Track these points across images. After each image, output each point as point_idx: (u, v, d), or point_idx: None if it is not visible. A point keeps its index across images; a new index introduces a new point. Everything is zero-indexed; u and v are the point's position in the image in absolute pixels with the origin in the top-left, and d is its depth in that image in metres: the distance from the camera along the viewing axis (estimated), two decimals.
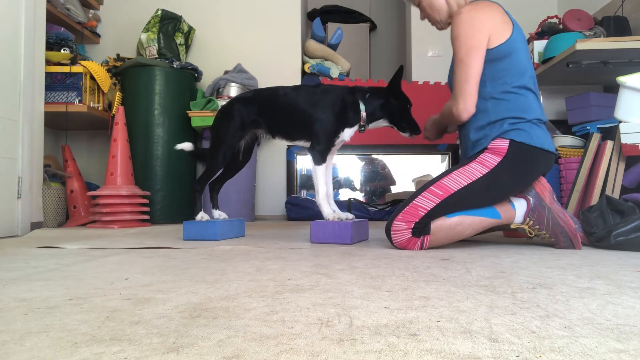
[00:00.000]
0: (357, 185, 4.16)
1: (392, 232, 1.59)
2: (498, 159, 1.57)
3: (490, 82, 1.61)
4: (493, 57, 1.59)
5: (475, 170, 1.57)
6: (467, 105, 1.58)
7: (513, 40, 1.59)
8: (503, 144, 1.58)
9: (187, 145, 2.18)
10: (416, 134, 1.92)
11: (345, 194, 4.16)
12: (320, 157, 1.87)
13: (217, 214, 2.14)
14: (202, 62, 3.91)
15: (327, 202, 1.90)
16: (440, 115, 1.79)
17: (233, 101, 2.07)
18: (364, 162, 4.23)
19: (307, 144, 1.93)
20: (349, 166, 4.24)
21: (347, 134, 1.90)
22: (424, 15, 1.79)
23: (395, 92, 1.89)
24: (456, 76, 1.59)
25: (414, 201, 1.57)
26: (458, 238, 1.62)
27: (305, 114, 1.90)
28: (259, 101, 2.00)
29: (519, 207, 1.64)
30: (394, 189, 4.17)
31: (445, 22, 1.76)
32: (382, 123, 1.94)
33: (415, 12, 4.22)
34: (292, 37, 4.07)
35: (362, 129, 1.92)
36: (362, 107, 1.88)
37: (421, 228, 1.57)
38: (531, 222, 1.63)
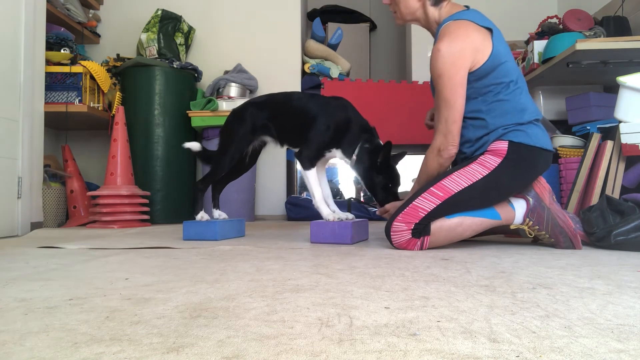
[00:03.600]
0: (358, 191, 4.15)
1: (391, 233, 1.59)
2: (498, 160, 1.56)
3: (482, 96, 1.61)
4: (480, 76, 1.57)
5: (475, 172, 1.57)
6: (455, 143, 1.58)
7: (495, 53, 1.57)
8: (502, 146, 1.57)
9: (195, 145, 2.15)
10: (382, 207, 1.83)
11: (344, 190, 4.14)
12: (308, 162, 1.85)
13: (217, 213, 2.14)
14: (202, 62, 3.91)
15: (324, 203, 1.89)
16: (423, 172, 1.67)
17: (247, 105, 2.05)
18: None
19: None
20: (346, 169, 4.22)
21: (339, 155, 1.89)
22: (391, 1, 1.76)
23: (381, 167, 1.82)
24: (442, 115, 1.58)
25: (414, 202, 1.57)
26: (458, 239, 1.62)
27: (310, 120, 1.87)
28: (271, 106, 1.98)
29: (519, 208, 1.64)
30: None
31: (406, 20, 1.75)
32: (358, 178, 1.90)
33: None
34: (292, 37, 4.07)
35: (348, 162, 1.88)
36: (357, 150, 1.83)
37: (421, 229, 1.57)
38: (531, 222, 1.63)
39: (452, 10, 1.66)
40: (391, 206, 1.78)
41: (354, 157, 1.85)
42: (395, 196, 1.86)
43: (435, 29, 1.71)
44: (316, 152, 1.86)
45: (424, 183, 1.66)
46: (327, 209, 1.89)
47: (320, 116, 1.86)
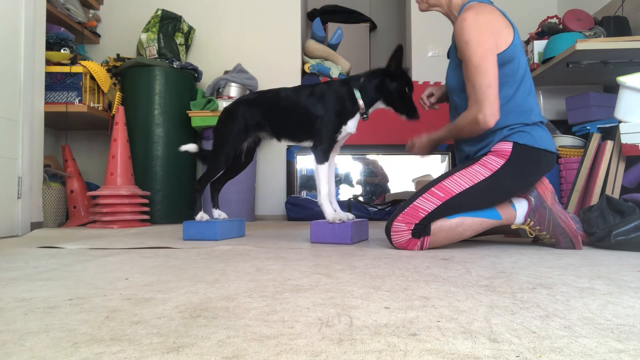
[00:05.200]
0: (354, 181, 4.18)
1: (391, 233, 1.59)
2: (502, 162, 1.56)
3: None
4: (498, 63, 1.55)
5: (477, 173, 1.56)
6: (493, 111, 1.52)
7: (515, 44, 1.58)
8: (506, 147, 1.57)
9: (191, 147, 2.15)
10: (414, 118, 1.84)
11: (344, 190, 4.16)
12: (322, 156, 1.87)
13: (217, 213, 2.14)
14: (202, 62, 3.91)
15: (328, 201, 1.90)
16: (455, 130, 1.66)
17: (237, 103, 2.06)
18: (359, 162, 4.25)
19: (311, 144, 1.93)
20: (347, 165, 4.25)
21: (351, 125, 1.88)
22: None
23: (394, 72, 1.83)
24: (475, 83, 1.52)
25: (414, 202, 1.57)
26: (458, 239, 1.61)
27: (306, 113, 1.90)
28: (262, 104, 2.00)
29: (520, 208, 1.63)
30: (394, 189, 4.17)
31: (430, 4, 1.73)
32: (380, 105, 1.90)
33: (415, 11, 4.22)
34: (292, 37, 4.07)
35: (365, 116, 1.89)
36: (357, 94, 1.86)
37: (421, 229, 1.56)
38: (532, 222, 1.63)
39: None
40: (417, 139, 1.79)
41: (360, 102, 1.85)
42: (413, 106, 1.85)
43: (455, 15, 1.68)
44: (330, 142, 1.88)
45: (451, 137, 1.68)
46: (330, 208, 1.88)
47: (313, 107, 1.89)
